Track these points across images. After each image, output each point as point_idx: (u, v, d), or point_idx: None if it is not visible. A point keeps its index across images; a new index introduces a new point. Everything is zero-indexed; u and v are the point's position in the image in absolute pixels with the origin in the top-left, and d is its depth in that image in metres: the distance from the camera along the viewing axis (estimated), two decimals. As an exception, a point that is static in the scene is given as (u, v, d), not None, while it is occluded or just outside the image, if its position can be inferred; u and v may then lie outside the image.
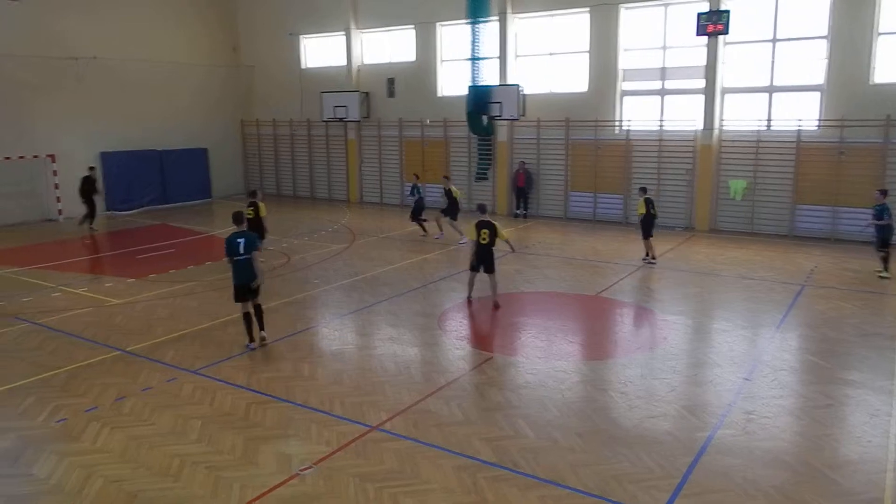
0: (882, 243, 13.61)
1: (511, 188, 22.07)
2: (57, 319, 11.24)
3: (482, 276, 11.87)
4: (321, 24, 25.61)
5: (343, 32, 24.95)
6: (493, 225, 11.69)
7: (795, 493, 5.89)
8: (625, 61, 19.86)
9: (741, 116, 18.43)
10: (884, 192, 13.81)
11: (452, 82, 23.06)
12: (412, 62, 23.77)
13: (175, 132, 25.44)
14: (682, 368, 8.99)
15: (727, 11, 17.45)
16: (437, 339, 10.28)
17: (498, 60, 21.47)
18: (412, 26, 23.49)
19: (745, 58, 18.22)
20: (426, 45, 23.33)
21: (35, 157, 21.57)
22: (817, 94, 17.30)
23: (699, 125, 18.72)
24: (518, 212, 21.83)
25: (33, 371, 8.95)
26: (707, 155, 18.68)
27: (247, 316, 9.74)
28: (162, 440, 6.99)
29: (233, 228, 9.68)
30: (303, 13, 26.01)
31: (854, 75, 16.63)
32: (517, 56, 21.57)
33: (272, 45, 27.11)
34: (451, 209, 17.62)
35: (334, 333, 10.68)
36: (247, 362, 9.22)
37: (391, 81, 24.31)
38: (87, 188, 19.59)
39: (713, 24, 17.61)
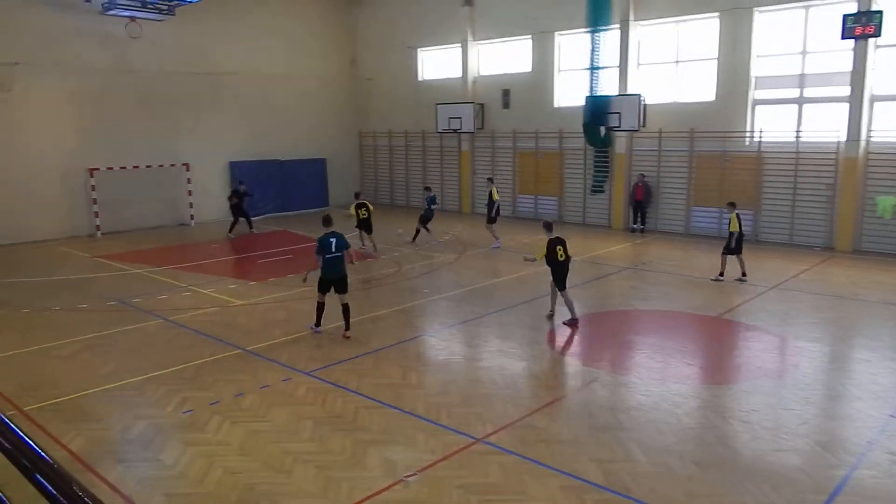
0: None
1: (628, 202, 21.42)
2: (187, 317, 12.00)
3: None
4: (438, 37, 26.05)
5: (459, 44, 25.25)
6: (565, 241, 11.44)
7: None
8: (758, 68, 18.74)
9: (893, 127, 16.83)
10: None
11: (569, 93, 22.71)
12: (528, 73, 23.65)
13: (296, 143, 26.70)
14: (815, 399, 8.29)
15: (879, 12, 15.91)
16: (545, 354, 10.07)
17: (618, 69, 20.94)
18: (529, 36, 23.39)
19: (897, 62, 16.63)
20: (543, 55, 23.15)
21: (172, 165, 23.28)
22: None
23: (843, 136, 17.30)
24: (635, 226, 21.13)
25: (166, 363, 9.56)
26: (852, 168, 17.22)
27: (322, 305, 10.74)
28: (276, 437, 7.24)
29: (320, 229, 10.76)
30: (420, 26, 26.57)
31: None
32: (639, 64, 20.93)
33: (389, 58, 27.84)
34: (491, 212, 18.44)
35: (442, 343, 10.72)
36: (357, 367, 9.41)
37: (506, 93, 24.32)
38: (237, 200, 20.86)
39: (862, 26, 16.19)
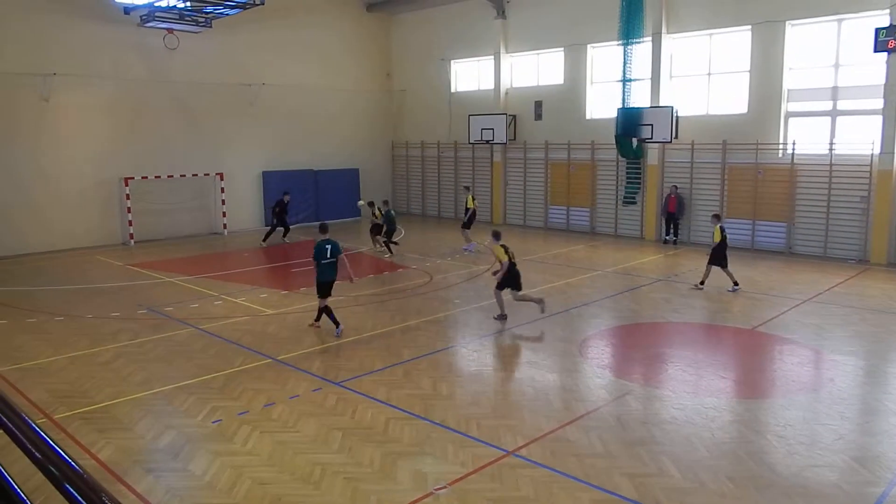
0: None
1: (661, 213, 21.17)
2: (218, 326, 12.13)
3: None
4: (471, 49, 26.16)
5: (492, 56, 25.31)
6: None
7: None
8: (790, 80, 18.50)
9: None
10: None
11: (601, 104, 22.62)
12: (560, 85, 23.61)
13: (329, 153, 26.95)
14: (851, 415, 8.05)
15: (914, 25, 15.72)
16: (577, 366, 9.95)
17: (650, 81, 20.80)
18: (561, 49, 23.36)
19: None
20: (575, 67, 23.09)
21: (206, 175, 23.66)
22: None
23: (876, 148, 16.96)
24: (667, 238, 20.86)
25: (196, 373, 9.65)
26: (886, 181, 16.83)
27: (327, 307, 11.44)
28: (305, 448, 7.25)
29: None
30: (454, 38, 26.71)
31: None
32: (671, 77, 20.75)
33: (423, 70, 28.03)
34: (469, 219, 20.14)
35: (473, 354, 10.66)
36: (388, 377, 9.40)
37: (538, 104, 24.29)
38: (279, 210, 21.21)
39: (895, 38, 15.95)
